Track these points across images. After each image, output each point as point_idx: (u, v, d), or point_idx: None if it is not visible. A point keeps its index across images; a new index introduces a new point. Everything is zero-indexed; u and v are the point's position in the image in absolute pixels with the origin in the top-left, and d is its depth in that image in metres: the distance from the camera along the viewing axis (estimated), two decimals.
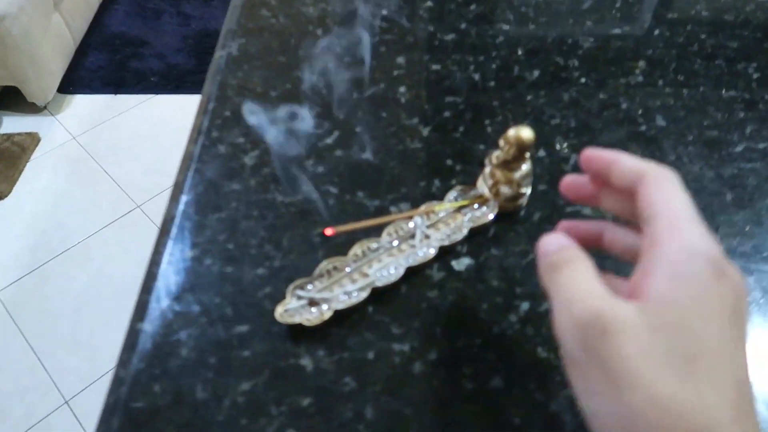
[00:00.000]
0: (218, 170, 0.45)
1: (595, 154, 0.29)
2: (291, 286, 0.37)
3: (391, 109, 0.49)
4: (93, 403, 1.34)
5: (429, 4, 0.59)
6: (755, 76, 0.51)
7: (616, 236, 0.30)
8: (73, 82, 2.06)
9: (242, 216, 0.42)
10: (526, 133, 0.38)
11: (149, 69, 2.12)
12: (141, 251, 1.62)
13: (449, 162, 0.45)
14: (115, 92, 2.05)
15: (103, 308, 1.50)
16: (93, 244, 1.64)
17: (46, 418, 1.32)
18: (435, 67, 0.53)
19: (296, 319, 0.35)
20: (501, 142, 0.39)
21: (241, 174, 0.44)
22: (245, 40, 0.55)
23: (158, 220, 1.68)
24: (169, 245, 0.40)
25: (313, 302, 0.36)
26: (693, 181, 0.44)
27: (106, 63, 2.14)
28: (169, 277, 0.39)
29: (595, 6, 0.59)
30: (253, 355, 0.35)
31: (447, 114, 0.49)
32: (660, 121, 0.48)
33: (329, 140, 0.47)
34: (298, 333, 0.36)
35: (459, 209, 0.41)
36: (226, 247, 0.40)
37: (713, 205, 0.42)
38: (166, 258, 0.40)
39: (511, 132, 0.38)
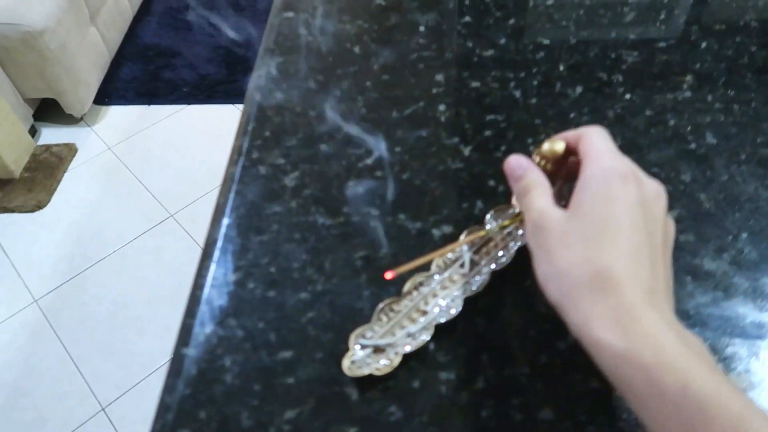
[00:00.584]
0: (259, 192, 0.45)
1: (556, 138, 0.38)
2: (352, 336, 0.36)
3: (431, 128, 0.49)
4: (129, 409, 1.37)
5: (467, 19, 0.58)
6: None
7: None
8: (109, 93, 2.10)
9: (284, 239, 0.42)
10: (559, 146, 0.37)
11: (181, 79, 2.15)
12: (174, 259, 1.64)
13: (491, 183, 0.45)
14: (149, 103, 2.09)
15: (138, 315, 1.52)
16: (128, 252, 1.67)
17: (83, 425, 1.34)
18: (474, 84, 0.52)
19: (365, 371, 0.34)
20: (536, 158, 0.38)
21: (282, 196, 0.44)
22: (283, 59, 0.55)
23: (191, 228, 1.71)
24: (212, 269, 0.41)
25: (378, 349, 0.35)
26: (747, 202, 0.42)
27: (140, 74, 2.18)
28: (213, 301, 0.39)
29: (639, 18, 0.57)
30: (297, 382, 0.35)
31: (488, 133, 0.48)
32: (710, 139, 0.46)
33: (369, 161, 0.46)
34: (341, 361, 0.35)
35: (502, 230, 0.40)
36: (269, 271, 0.40)
37: None
38: (209, 281, 0.40)
39: (545, 146, 0.37)
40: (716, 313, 0.37)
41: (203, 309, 0.39)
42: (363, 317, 0.37)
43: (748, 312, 0.37)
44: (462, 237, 0.40)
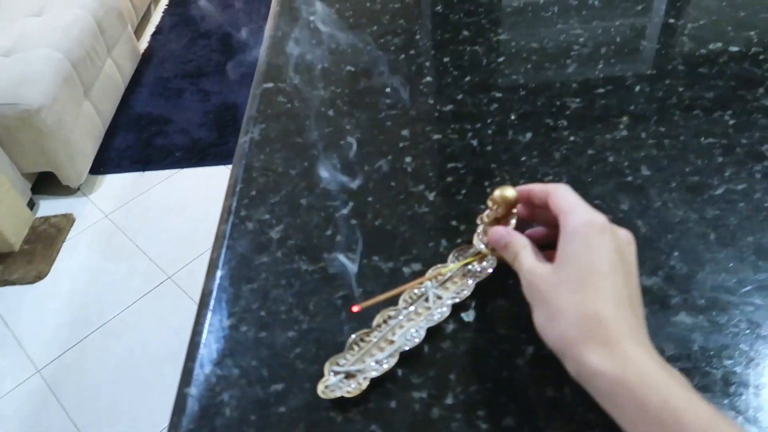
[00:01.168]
0: (248, 245, 0.50)
1: (520, 189, 0.44)
2: (327, 364, 0.41)
3: (399, 178, 0.55)
4: None
5: (428, 79, 0.65)
6: (731, 122, 0.56)
7: (552, 233, 0.42)
8: (104, 163, 2.18)
9: (272, 285, 0.47)
10: (509, 192, 0.43)
11: (174, 145, 2.24)
12: (174, 320, 1.68)
13: (454, 223, 0.50)
14: (143, 169, 2.17)
15: (141, 377, 1.55)
16: (128, 316, 1.71)
17: None
18: (436, 136, 0.58)
19: (337, 393, 0.39)
20: (489, 203, 0.44)
21: (269, 247, 0.50)
22: (265, 125, 0.62)
23: (189, 288, 1.75)
24: (209, 316, 0.46)
25: (349, 375, 0.40)
26: (678, 224, 0.48)
27: (134, 142, 2.27)
28: (211, 344, 0.44)
29: (580, 69, 0.64)
30: (288, 410, 0.40)
31: (450, 179, 0.54)
32: (645, 171, 0.53)
33: (345, 211, 0.52)
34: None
35: (462, 267, 0.46)
36: (260, 315, 0.45)
37: (698, 247, 0.46)
38: (206, 328, 0.45)
39: (497, 193, 0.44)
40: (653, 323, 0.42)
41: (202, 352, 0.43)
42: (344, 349, 0.42)
43: (680, 320, 0.42)
44: (428, 274, 0.45)
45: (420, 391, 0.40)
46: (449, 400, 0.39)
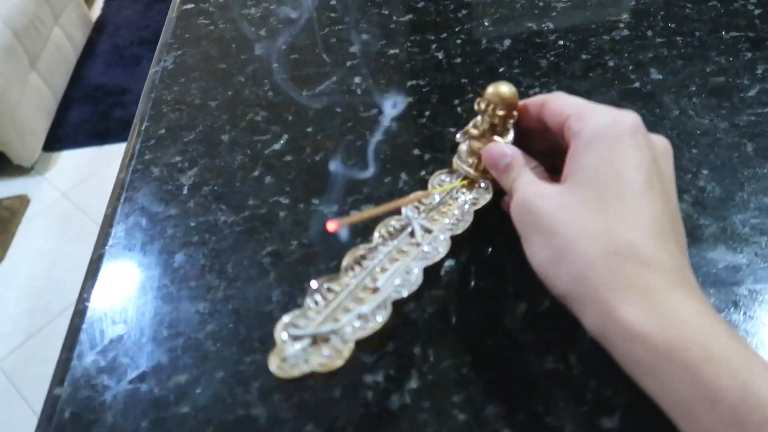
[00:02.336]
0: (152, 196, 0.39)
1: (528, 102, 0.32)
2: (279, 328, 0.28)
3: (346, 102, 0.43)
4: None
5: None
6: (757, 12, 0.45)
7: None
8: (59, 139, 2.03)
9: (179, 244, 0.36)
10: (507, 87, 0.32)
11: (133, 116, 2.08)
12: None
13: (416, 151, 0.39)
14: (101, 143, 2.02)
15: None
16: None
17: None
18: (392, 51, 0.47)
19: (304, 368, 0.27)
20: (482, 105, 0.33)
21: (178, 197, 0.38)
22: (182, 51, 0.50)
23: None
24: (95, 289, 0.34)
25: (317, 340, 0.28)
26: (703, 135, 0.37)
27: (90, 116, 2.11)
28: (94, 328, 0.32)
29: None
30: (194, 410, 0.29)
31: (410, 99, 0.43)
32: (655, 75, 0.41)
33: (277, 146, 0.41)
34: (247, 377, 0.29)
35: (450, 195, 0.34)
36: (162, 283, 0.34)
37: (732, 160, 0.35)
38: (89, 305, 0.33)
39: (490, 90, 0.32)
40: None
41: (82, 338, 0.32)
42: (272, 322, 0.31)
43: (718, 257, 0.31)
44: (407, 198, 0.34)
45: (374, 373, 0.29)
46: (413, 383, 0.28)
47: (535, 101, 0.31)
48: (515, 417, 0.27)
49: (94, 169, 1.95)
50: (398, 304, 0.30)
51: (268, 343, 0.30)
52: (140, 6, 2.61)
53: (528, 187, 0.27)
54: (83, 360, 0.31)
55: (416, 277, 0.30)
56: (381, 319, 0.28)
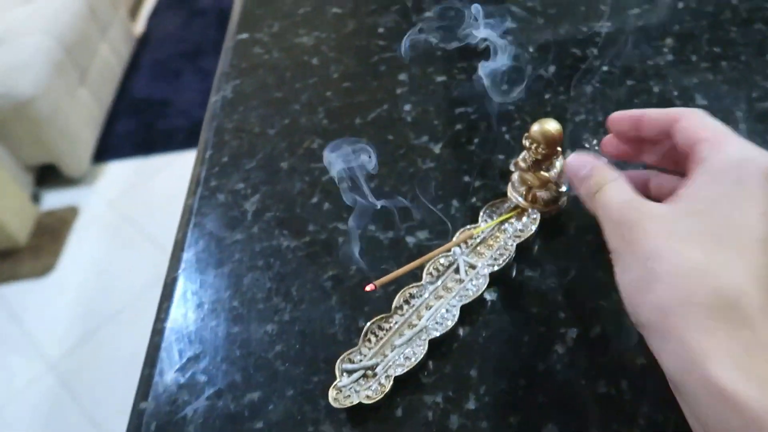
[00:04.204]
0: (219, 221, 0.41)
1: (620, 115, 0.32)
2: (338, 362, 0.32)
3: (398, 129, 0.45)
4: None
5: (428, 14, 0.55)
6: None
7: (661, 181, 0.31)
8: (106, 150, 2.11)
9: (246, 268, 0.38)
10: (552, 125, 0.34)
11: (175, 127, 2.16)
12: None
13: (466, 178, 0.41)
14: (146, 154, 2.09)
15: None
16: (139, 305, 1.65)
17: None
18: (440, 78, 0.49)
19: (353, 400, 0.30)
20: (526, 142, 0.35)
21: (243, 222, 0.41)
22: (240, 80, 0.53)
23: None
24: (171, 310, 0.37)
25: (367, 374, 0.31)
26: None
27: (135, 128, 2.19)
28: (172, 346, 0.35)
29: None
30: (267, 426, 0.31)
31: (459, 127, 0.44)
32: (700, 100, 0.42)
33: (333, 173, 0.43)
34: (315, 395, 0.32)
35: (498, 227, 0.37)
36: (232, 305, 0.36)
37: None
38: (168, 325, 0.36)
39: (535, 128, 0.34)
40: None
41: (162, 356, 0.35)
42: (336, 343, 0.33)
43: None
44: (455, 238, 0.36)
45: (433, 394, 0.31)
46: (471, 405, 0.30)
47: (665, 114, 0.29)
48: None
49: (140, 179, 2.02)
50: (454, 329, 0.32)
51: (332, 363, 0.32)
52: (181, 21, 2.69)
53: (631, 202, 0.26)
54: (164, 377, 0.34)
55: (454, 316, 0.32)
56: (417, 357, 0.31)
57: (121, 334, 1.59)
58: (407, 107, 0.47)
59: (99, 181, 2.04)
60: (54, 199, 1.98)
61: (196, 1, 2.81)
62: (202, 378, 0.33)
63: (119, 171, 2.07)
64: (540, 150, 0.34)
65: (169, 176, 2.01)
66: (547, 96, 0.45)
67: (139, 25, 2.69)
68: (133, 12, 2.70)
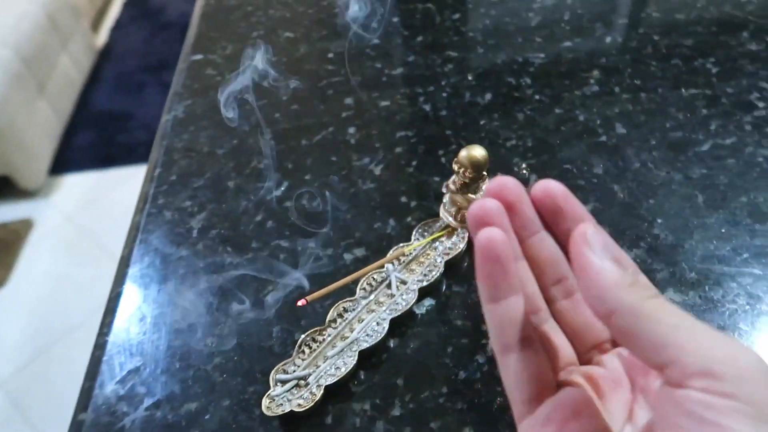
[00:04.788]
0: (164, 238, 0.43)
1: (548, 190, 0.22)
2: (272, 373, 0.33)
3: (342, 151, 0.47)
4: None
5: (375, 41, 0.58)
6: (714, 70, 0.50)
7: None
8: (64, 163, 2.08)
9: (189, 284, 0.40)
10: (477, 151, 0.36)
11: (136, 141, 2.14)
12: None
13: (404, 199, 0.43)
14: (106, 167, 2.07)
15: None
16: (94, 321, 1.62)
17: None
18: (384, 103, 0.51)
19: (286, 408, 0.32)
20: (455, 166, 0.38)
21: (188, 239, 0.42)
22: (191, 101, 0.54)
23: None
24: (114, 325, 0.38)
25: (300, 384, 0.33)
26: (660, 186, 0.41)
27: (95, 140, 2.16)
28: (113, 359, 0.36)
29: (543, 22, 0.57)
30: None
31: (399, 150, 0.47)
32: (620, 129, 0.46)
33: (278, 192, 0.45)
34: (251, 405, 0.33)
35: (429, 245, 0.39)
36: (173, 320, 0.38)
37: (685, 211, 0.40)
38: (109, 339, 0.37)
39: (463, 153, 0.37)
40: None
41: (103, 369, 0.36)
42: (273, 356, 0.35)
43: (670, 297, 0.35)
44: (389, 255, 0.38)
45: (361, 402, 0.33)
46: (396, 411, 0.32)
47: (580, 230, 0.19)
48: None
49: (99, 192, 1.99)
50: (382, 339, 0.34)
51: (268, 374, 0.33)
52: (145, 34, 2.68)
53: None
54: (104, 389, 0.35)
55: (383, 329, 0.34)
56: (347, 367, 0.33)
57: (74, 351, 1.56)
58: (351, 130, 0.49)
59: (56, 193, 2.00)
60: (8, 212, 1.94)
61: (161, 15, 2.80)
62: (142, 390, 0.35)
63: (77, 184, 2.03)
64: (467, 174, 0.37)
65: (128, 190, 1.98)
66: (482, 122, 0.48)
67: (102, 37, 2.66)
68: (96, 24, 2.68)
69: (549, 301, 0.23)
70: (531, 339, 0.21)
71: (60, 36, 2.17)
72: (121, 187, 2.00)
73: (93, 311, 1.63)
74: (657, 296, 0.18)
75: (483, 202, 0.21)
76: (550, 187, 0.22)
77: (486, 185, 0.38)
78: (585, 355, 0.23)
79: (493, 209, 0.21)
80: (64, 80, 2.16)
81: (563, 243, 0.22)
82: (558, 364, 0.23)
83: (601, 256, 0.19)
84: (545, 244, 0.23)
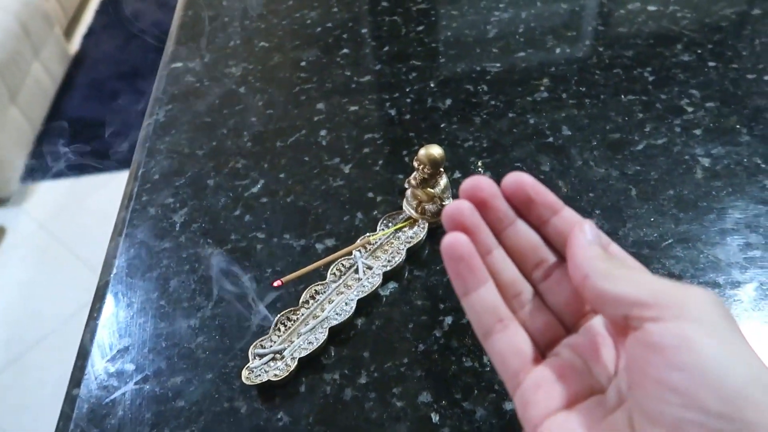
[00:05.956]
0: (149, 232, 0.46)
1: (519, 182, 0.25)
2: (251, 348, 0.37)
3: (314, 152, 0.51)
4: None
5: (345, 51, 0.62)
6: (650, 79, 0.55)
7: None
8: (36, 170, 2.07)
9: (173, 273, 0.43)
10: (435, 149, 0.41)
11: (110, 148, 2.14)
12: None
13: (370, 194, 0.47)
14: (79, 175, 2.07)
15: None
16: (68, 329, 1.62)
17: None
18: (353, 108, 0.55)
19: (263, 378, 0.36)
20: (415, 164, 0.42)
21: (171, 232, 0.46)
22: (171, 106, 0.58)
23: None
24: (103, 310, 0.41)
25: (276, 357, 0.37)
26: (599, 182, 0.46)
27: (68, 148, 2.16)
28: (104, 340, 0.40)
29: (500, 35, 0.62)
30: (188, 404, 0.36)
31: (366, 150, 0.51)
32: (566, 131, 0.51)
33: (255, 189, 0.49)
34: (231, 377, 0.37)
35: (393, 234, 0.43)
36: (159, 304, 0.41)
37: (620, 202, 0.45)
38: (100, 323, 0.41)
39: (422, 152, 0.41)
40: None
41: (94, 350, 0.39)
42: (251, 334, 0.39)
43: None
44: (356, 243, 0.42)
45: (332, 372, 0.37)
46: (363, 380, 0.36)
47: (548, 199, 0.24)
48: (440, 403, 0.35)
49: (72, 200, 1.99)
50: (350, 318, 0.38)
51: (247, 351, 0.37)
52: (118, 41, 2.68)
53: None
54: (95, 367, 0.38)
55: (351, 308, 0.39)
56: (318, 342, 0.37)
57: (47, 360, 1.56)
58: (323, 132, 0.53)
59: (28, 201, 2.00)
60: None
61: (134, 22, 2.81)
62: (131, 367, 0.38)
63: (50, 191, 2.03)
64: (426, 170, 0.41)
65: (102, 197, 1.99)
66: (442, 125, 0.53)
67: (75, 45, 2.66)
68: (69, 31, 2.67)
69: (533, 283, 0.26)
70: (509, 320, 0.24)
71: (32, 43, 2.17)
72: (94, 195, 2.00)
73: (65, 320, 1.63)
74: (627, 267, 0.22)
75: (457, 204, 0.24)
76: (521, 179, 0.25)
77: (444, 180, 0.43)
78: (572, 327, 0.25)
79: (465, 209, 0.24)
80: (36, 87, 2.16)
81: (538, 228, 0.25)
82: (541, 339, 0.25)
83: (590, 240, 0.23)
84: (522, 232, 0.25)
